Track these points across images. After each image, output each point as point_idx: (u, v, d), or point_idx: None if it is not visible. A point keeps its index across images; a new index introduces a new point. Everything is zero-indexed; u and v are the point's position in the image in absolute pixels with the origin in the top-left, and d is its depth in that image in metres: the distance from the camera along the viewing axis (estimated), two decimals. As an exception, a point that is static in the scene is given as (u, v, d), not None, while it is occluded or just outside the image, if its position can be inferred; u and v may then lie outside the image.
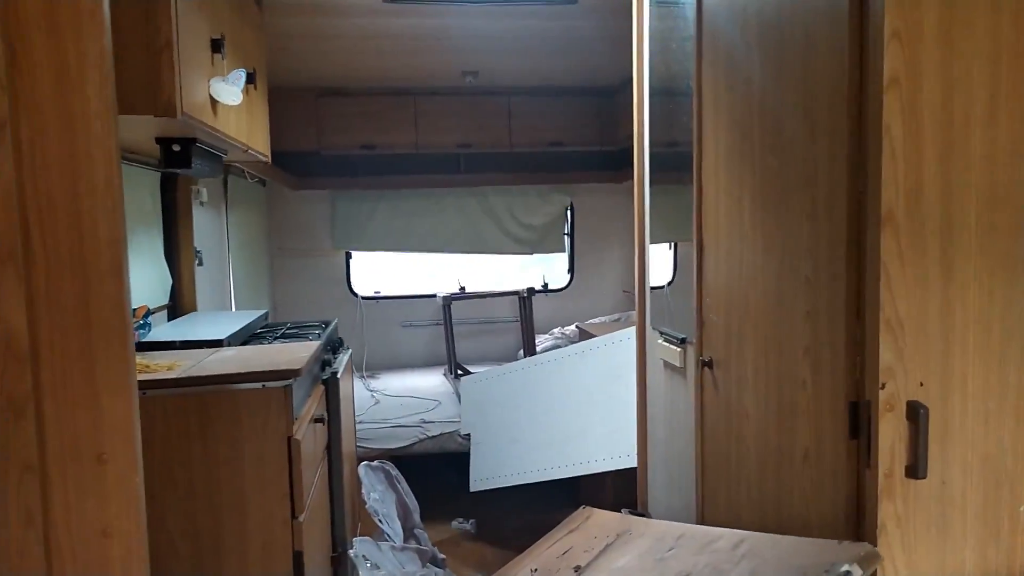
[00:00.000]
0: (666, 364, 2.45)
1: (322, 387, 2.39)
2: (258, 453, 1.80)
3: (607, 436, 3.22)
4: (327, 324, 2.96)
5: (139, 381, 1.08)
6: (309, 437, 2.00)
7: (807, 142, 1.51)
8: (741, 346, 1.85)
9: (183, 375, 1.80)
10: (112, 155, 1.02)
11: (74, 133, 1.01)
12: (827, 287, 1.45)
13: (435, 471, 3.99)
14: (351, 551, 2.09)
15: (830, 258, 1.43)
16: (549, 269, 5.83)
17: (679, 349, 2.32)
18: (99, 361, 1.02)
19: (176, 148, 2.02)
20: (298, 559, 1.83)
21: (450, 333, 5.09)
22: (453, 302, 5.14)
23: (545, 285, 5.73)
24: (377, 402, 4.47)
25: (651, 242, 2.67)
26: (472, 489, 3.69)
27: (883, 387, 1.26)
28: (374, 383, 4.95)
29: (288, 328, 2.86)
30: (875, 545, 1.27)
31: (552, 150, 5.27)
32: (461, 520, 3.81)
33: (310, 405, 2.11)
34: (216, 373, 1.81)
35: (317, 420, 2.14)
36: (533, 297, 5.23)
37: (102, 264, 1.02)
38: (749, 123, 1.76)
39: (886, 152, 1.24)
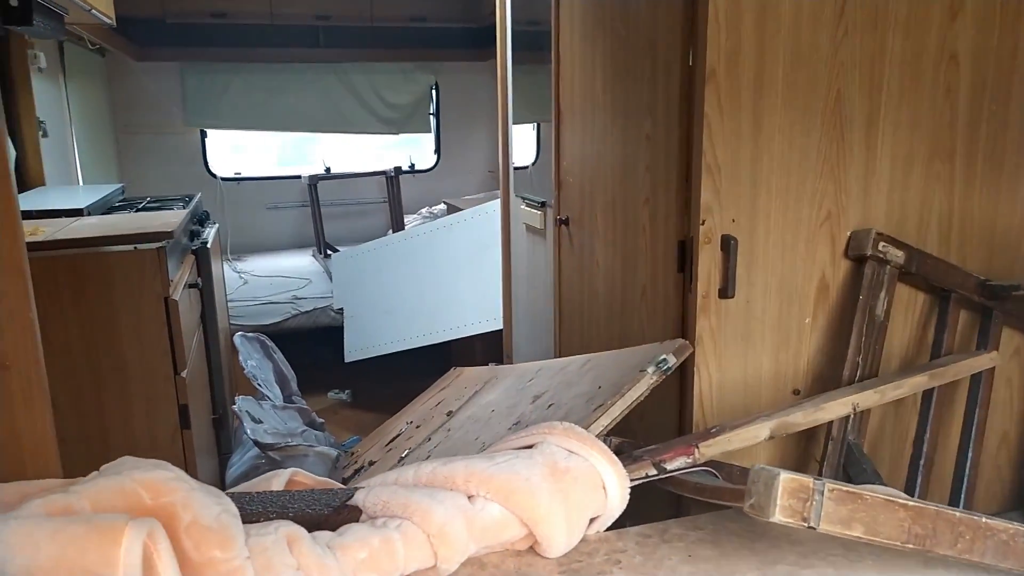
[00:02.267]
0: (528, 228, 2.65)
1: (193, 256, 2.41)
2: (135, 314, 1.84)
3: (475, 302, 3.43)
4: (191, 197, 2.91)
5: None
6: (185, 301, 2.05)
7: (649, 12, 1.66)
8: (592, 203, 2.05)
9: (48, 239, 1.78)
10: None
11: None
12: (664, 142, 1.65)
13: (309, 346, 4.09)
14: (234, 406, 2.20)
15: (666, 116, 1.63)
16: (417, 149, 5.84)
17: (540, 212, 2.51)
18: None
19: (14, 2, 1.89)
20: (184, 412, 1.93)
21: (318, 213, 5.07)
22: (320, 183, 5.09)
23: (412, 166, 5.75)
24: (245, 282, 4.45)
25: (514, 123, 2.79)
26: (347, 360, 3.84)
27: (703, 223, 1.50)
28: (240, 265, 4.90)
29: (149, 202, 2.80)
30: (694, 354, 1.54)
31: (415, 26, 5.18)
32: (337, 391, 3.97)
33: (183, 271, 2.15)
34: (85, 236, 1.81)
35: (191, 286, 2.18)
36: (400, 177, 5.28)
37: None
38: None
39: (711, 17, 1.42)
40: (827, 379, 1.61)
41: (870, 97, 1.54)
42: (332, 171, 5.37)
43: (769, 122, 1.50)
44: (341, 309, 3.95)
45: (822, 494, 0.84)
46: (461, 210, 3.82)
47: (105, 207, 2.49)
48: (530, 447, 1.09)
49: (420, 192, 5.69)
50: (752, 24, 1.45)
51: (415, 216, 5.28)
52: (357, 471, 2.03)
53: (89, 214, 2.22)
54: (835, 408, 1.33)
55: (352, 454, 2.30)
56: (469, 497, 1.00)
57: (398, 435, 2.08)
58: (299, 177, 5.21)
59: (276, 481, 1.13)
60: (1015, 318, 1.66)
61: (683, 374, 1.58)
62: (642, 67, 1.71)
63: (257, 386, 2.68)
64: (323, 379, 4.02)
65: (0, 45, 2.67)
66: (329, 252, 4.90)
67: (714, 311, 1.54)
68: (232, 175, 5.37)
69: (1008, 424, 1.80)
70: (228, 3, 4.71)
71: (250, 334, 2.95)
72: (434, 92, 5.67)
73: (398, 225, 5.02)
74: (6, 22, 1.94)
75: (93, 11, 2.38)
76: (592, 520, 1.08)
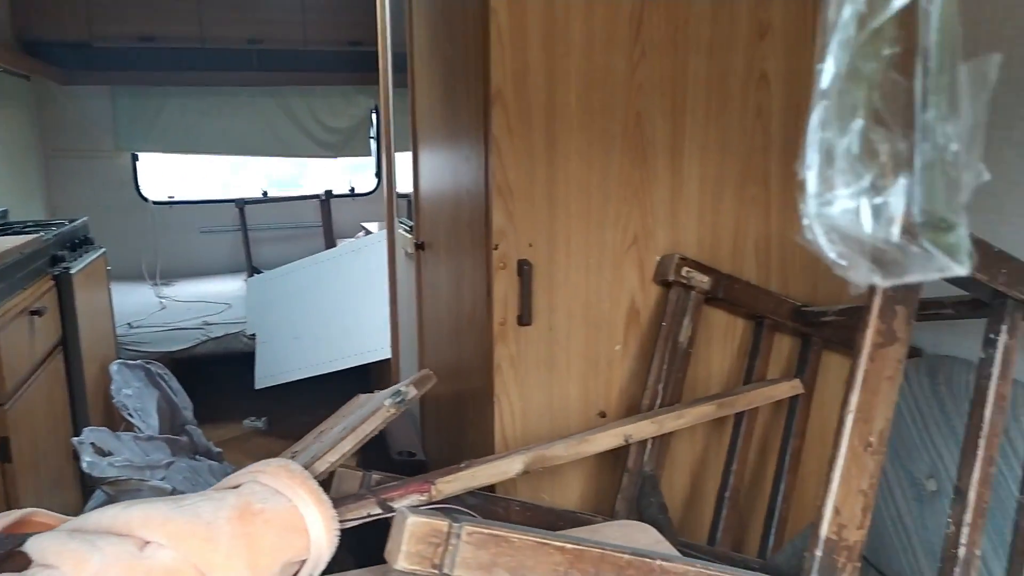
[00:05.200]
0: (407, 253, 2.61)
1: (52, 282, 2.34)
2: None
3: (381, 327, 3.37)
4: (72, 221, 2.85)
5: None
6: (19, 327, 1.98)
7: (462, 32, 1.63)
8: (438, 227, 2.01)
9: None
10: None
11: None
12: (476, 165, 1.61)
13: (224, 373, 4.01)
14: (75, 438, 2.13)
15: (475, 139, 1.59)
16: (360, 173, 5.81)
17: (411, 237, 2.47)
18: None
19: None
20: (4, 444, 1.85)
21: (246, 238, 5.02)
22: (252, 206, 5.05)
23: (352, 189, 5.71)
24: (164, 307, 4.38)
25: (397, 149, 2.75)
26: (257, 386, 3.76)
27: (496, 247, 1.45)
28: (167, 290, 4.82)
29: (26, 226, 2.74)
30: (493, 381, 1.49)
31: (353, 49, 5.16)
32: (253, 419, 3.89)
33: (23, 297, 2.08)
34: None
35: (34, 312, 2.12)
36: (338, 200, 5.24)
37: None
38: (436, 18, 1.87)
39: (493, 36, 1.38)
40: (639, 407, 1.55)
41: (673, 119, 1.51)
42: (268, 194, 5.32)
43: (564, 144, 1.46)
44: (254, 335, 3.88)
45: (459, 537, 0.78)
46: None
47: (-35, 231, 2.42)
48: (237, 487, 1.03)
49: (363, 215, 5.64)
50: (539, 45, 1.41)
51: (352, 240, 5.24)
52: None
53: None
54: (603, 440, 1.28)
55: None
56: (146, 543, 0.94)
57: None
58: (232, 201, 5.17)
59: (2, 520, 1.06)
60: (835, 344, 1.62)
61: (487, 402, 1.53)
62: (459, 88, 1.68)
63: (127, 416, 2.60)
64: (239, 407, 3.93)
65: None
66: (257, 276, 4.84)
67: (513, 338, 1.49)
68: (165, 198, 5.31)
69: (845, 453, 1.75)
70: (157, 27, 4.69)
71: (133, 362, 2.87)
72: (374, 115, 5.65)
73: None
74: None
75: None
76: (302, 564, 1.02)
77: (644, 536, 1.12)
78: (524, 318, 1.47)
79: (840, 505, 0.96)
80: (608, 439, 1.29)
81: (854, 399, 0.98)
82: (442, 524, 0.78)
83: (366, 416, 1.14)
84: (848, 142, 0.53)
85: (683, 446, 1.64)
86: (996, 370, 1.06)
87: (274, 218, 5.42)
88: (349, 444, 1.11)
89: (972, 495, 1.03)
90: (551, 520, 1.29)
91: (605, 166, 1.49)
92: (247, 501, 0.99)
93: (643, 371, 1.56)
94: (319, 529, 1.01)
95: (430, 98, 2.03)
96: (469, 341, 1.74)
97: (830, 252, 0.79)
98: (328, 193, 5.05)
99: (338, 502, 1.10)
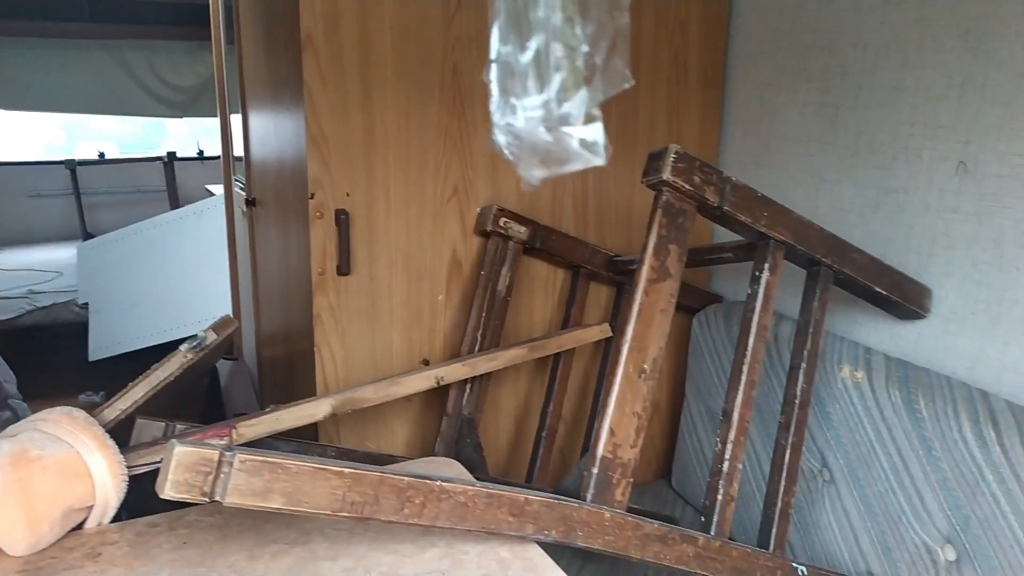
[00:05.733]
0: (243, 212, 2.52)
1: None
2: None
3: (224, 292, 3.25)
4: None
5: None
6: None
7: (280, -25, 1.59)
8: (266, 183, 1.96)
9: None
10: None
11: None
12: (294, 115, 1.58)
13: (57, 345, 3.75)
14: None
15: (292, 88, 1.56)
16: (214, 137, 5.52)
17: (245, 195, 2.39)
18: None
19: None
20: None
21: (79, 202, 4.68)
22: (88, 169, 4.70)
23: (200, 152, 5.43)
24: (-16, 276, 4.02)
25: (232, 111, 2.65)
26: (91, 358, 3.54)
27: (312, 197, 1.44)
28: (-10, 258, 4.43)
29: None
30: (314, 332, 1.48)
31: (195, 2, 4.86)
32: (90, 393, 3.66)
33: None
34: None
35: None
36: (186, 164, 4.97)
37: None
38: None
39: (303, -21, 1.36)
40: (460, 355, 1.60)
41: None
42: (106, 155, 4.97)
43: (381, 93, 1.46)
44: (86, 304, 3.64)
45: (231, 465, 0.79)
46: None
47: None
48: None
49: (212, 179, 5.38)
50: (351, -10, 1.40)
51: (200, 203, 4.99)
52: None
53: None
54: (414, 383, 1.32)
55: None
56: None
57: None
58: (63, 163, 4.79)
59: None
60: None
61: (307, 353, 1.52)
62: (279, 38, 1.64)
63: (-70, 388, 2.39)
64: (75, 380, 3.68)
65: None
66: (93, 243, 4.52)
67: (333, 288, 1.49)
68: (-12, 160, 4.86)
69: (659, 396, 1.89)
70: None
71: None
72: (224, 75, 5.38)
73: (176, 214, 4.72)
74: None
75: None
76: (88, 511, 0.99)
77: (448, 469, 1.16)
78: (343, 268, 1.47)
79: (615, 426, 1.04)
80: (419, 381, 1.32)
81: (630, 330, 1.06)
82: (212, 452, 0.78)
83: (163, 363, 1.11)
84: (525, 57, 0.57)
85: (507, 392, 1.71)
86: (759, 303, 1.17)
87: (115, 182, 5.07)
88: (141, 391, 1.08)
89: (735, 416, 1.14)
90: (367, 463, 1.31)
91: (423, 117, 1.51)
92: (24, 448, 0.94)
93: (465, 320, 1.60)
94: (104, 475, 0.98)
95: (255, 51, 1.96)
96: (296, 296, 1.72)
97: (508, 154, 0.85)
98: (171, 155, 4.79)
99: (131, 449, 1.08)
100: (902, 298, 1.29)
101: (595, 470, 1.02)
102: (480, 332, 1.52)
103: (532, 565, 0.93)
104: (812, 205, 1.56)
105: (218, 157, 5.46)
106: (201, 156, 5.40)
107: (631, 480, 1.04)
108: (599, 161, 0.53)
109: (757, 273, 1.19)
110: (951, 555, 1.15)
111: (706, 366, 1.69)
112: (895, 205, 1.39)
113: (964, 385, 1.22)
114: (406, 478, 0.88)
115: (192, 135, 5.38)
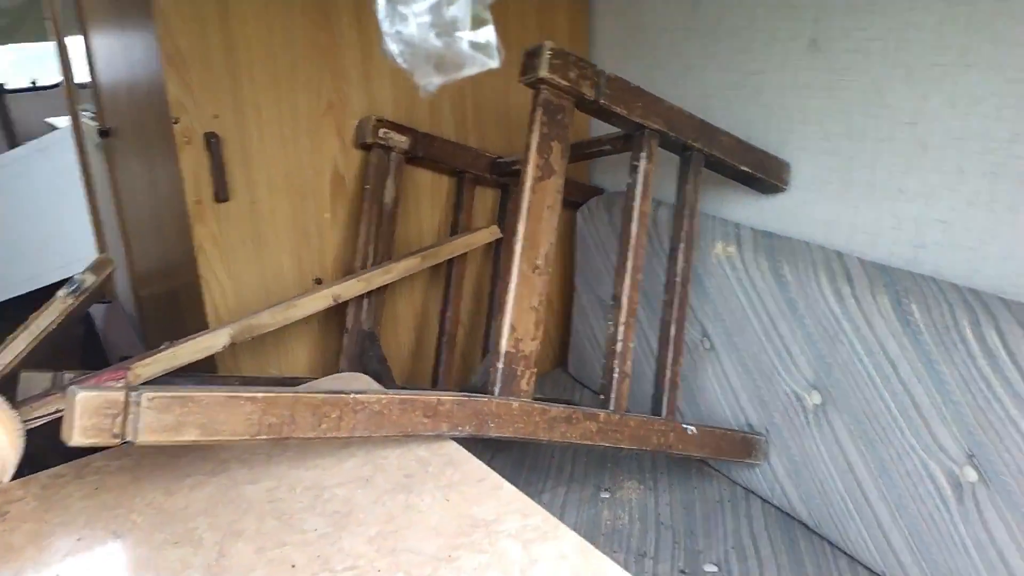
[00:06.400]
0: (96, 145, 2.34)
1: None
2: None
3: (85, 233, 3.04)
4: None
5: None
6: None
7: None
8: (120, 110, 1.83)
9: None
10: None
11: None
12: (144, 34, 1.46)
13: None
14: None
15: (139, 5, 1.43)
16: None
17: (96, 125, 2.22)
18: None
19: None
20: None
21: None
22: None
23: (33, 82, 4.90)
24: None
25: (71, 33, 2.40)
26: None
27: (177, 121, 1.36)
28: None
29: None
30: (197, 264, 1.44)
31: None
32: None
33: None
34: None
35: None
36: (18, 96, 4.48)
37: None
38: None
39: None
40: (353, 270, 1.60)
41: (352, -24, 1.47)
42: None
43: (238, 5, 1.37)
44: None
45: (139, 405, 0.78)
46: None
47: None
48: None
49: (50, 112, 4.89)
50: None
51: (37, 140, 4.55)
52: None
53: None
54: (311, 303, 1.32)
55: None
56: None
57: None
58: None
59: None
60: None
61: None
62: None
63: None
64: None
65: None
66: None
67: (212, 217, 1.44)
68: None
69: (551, 290, 1.96)
70: None
71: None
72: (46, -8, 4.81)
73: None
74: None
75: None
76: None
77: (358, 383, 1.19)
78: (220, 194, 1.41)
79: (515, 322, 1.09)
80: (316, 301, 1.32)
81: (520, 228, 1.09)
82: (117, 394, 0.77)
83: (41, 311, 1.06)
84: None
85: (404, 303, 1.73)
86: (639, 191, 1.23)
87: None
88: (23, 343, 1.03)
89: (624, 300, 1.22)
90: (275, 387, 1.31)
91: (288, 29, 1.43)
92: None
93: (355, 236, 1.59)
94: (-3, 433, 0.94)
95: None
96: (172, 229, 1.64)
97: (402, 62, 0.85)
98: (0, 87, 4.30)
99: (23, 403, 1.03)
100: (765, 174, 1.39)
101: (500, 365, 1.07)
102: (371, 246, 1.52)
103: (450, 459, 0.99)
104: (680, 92, 1.62)
105: (57, 86, 4.99)
106: (35, 86, 4.88)
107: (535, 370, 1.10)
108: (493, 64, 0.55)
109: (635, 163, 1.24)
110: (817, 399, 1.30)
111: (592, 256, 1.76)
112: (755, 86, 1.47)
113: (821, 248, 1.35)
114: (320, 395, 0.89)
115: (21, 63, 4.84)
